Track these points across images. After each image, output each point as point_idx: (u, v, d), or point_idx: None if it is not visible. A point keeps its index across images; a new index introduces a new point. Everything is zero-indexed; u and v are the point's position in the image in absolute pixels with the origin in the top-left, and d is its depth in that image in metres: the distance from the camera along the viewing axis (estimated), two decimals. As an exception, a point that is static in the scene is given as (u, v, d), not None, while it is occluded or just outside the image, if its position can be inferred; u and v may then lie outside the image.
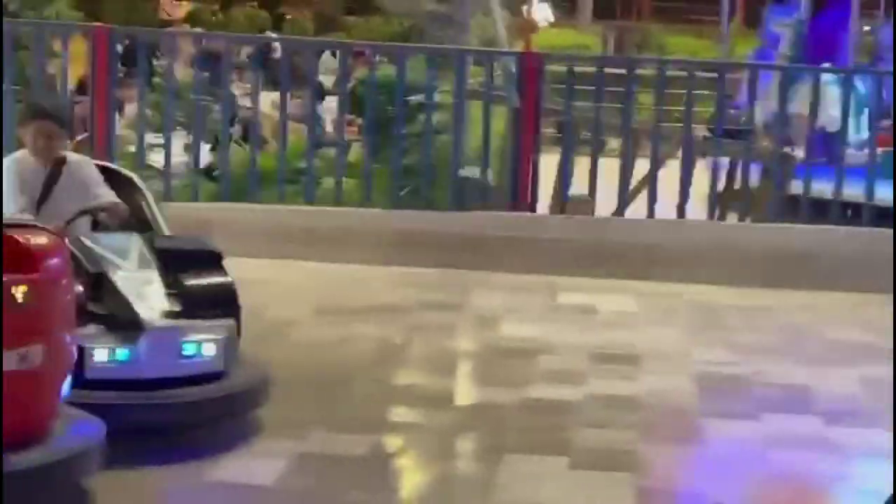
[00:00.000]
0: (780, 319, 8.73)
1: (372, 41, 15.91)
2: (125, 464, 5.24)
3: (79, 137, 10.78)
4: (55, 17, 12.51)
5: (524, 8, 26.86)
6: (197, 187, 10.54)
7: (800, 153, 11.21)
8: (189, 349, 5.58)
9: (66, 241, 5.88)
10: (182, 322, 5.69)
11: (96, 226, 6.35)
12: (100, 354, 5.44)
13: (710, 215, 11.02)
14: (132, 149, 10.78)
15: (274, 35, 20.55)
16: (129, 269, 5.84)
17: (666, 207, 10.39)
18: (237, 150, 11.77)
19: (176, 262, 6.06)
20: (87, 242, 5.95)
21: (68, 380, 4.86)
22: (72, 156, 6.72)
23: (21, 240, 4.64)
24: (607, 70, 11.47)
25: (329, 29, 30.27)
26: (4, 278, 4.41)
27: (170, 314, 5.68)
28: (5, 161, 6.58)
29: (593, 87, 11.05)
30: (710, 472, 5.90)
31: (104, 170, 7.14)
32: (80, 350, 5.32)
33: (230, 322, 5.86)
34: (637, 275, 9.38)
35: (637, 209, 10.59)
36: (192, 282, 5.95)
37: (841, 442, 6.16)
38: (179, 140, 10.97)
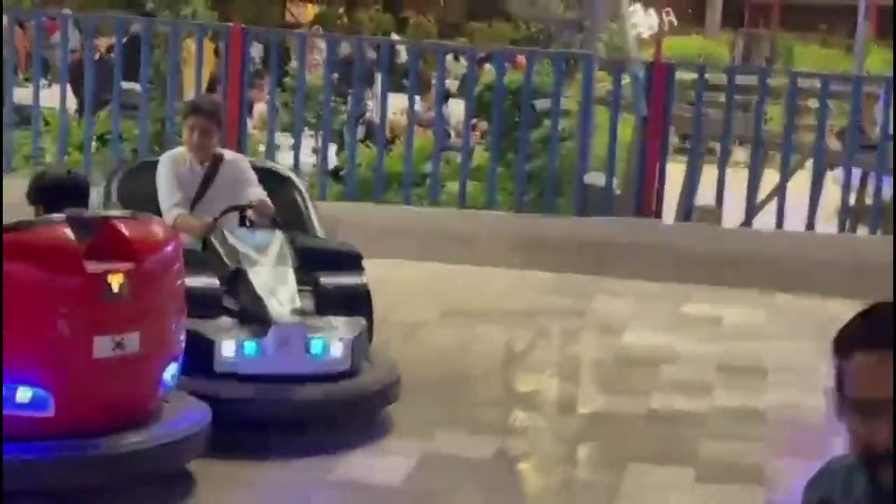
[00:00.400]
0: None
1: (497, 45, 15.99)
2: (249, 457, 5.34)
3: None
4: (192, 17, 12.67)
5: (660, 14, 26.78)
6: (325, 187, 10.63)
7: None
8: (316, 347, 5.60)
9: (212, 236, 6.07)
10: (311, 320, 5.73)
11: (244, 222, 6.42)
12: (227, 348, 5.52)
13: (841, 228, 10.87)
14: (262, 148, 10.95)
15: (398, 38, 20.75)
16: (265, 265, 5.93)
17: (794, 219, 10.28)
18: (363, 151, 11.87)
19: (315, 261, 6.17)
20: (230, 238, 6.08)
21: (175, 366, 4.96)
22: (228, 154, 6.87)
23: (122, 230, 4.76)
24: (737, 80, 11.42)
25: (453, 33, 30.49)
26: (101, 268, 4.56)
27: (301, 312, 5.70)
28: (162, 158, 6.74)
29: (723, 96, 11.05)
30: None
31: (263, 168, 7.29)
32: (210, 343, 5.47)
33: (361, 322, 5.90)
34: (764, 286, 9.29)
35: (765, 221, 10.49)
36: (326, 281, 6.03)
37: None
38: (308, 141, 11.06)
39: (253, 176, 6.72)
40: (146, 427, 4.74)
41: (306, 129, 11.15)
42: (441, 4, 39.86)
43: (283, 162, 10.75)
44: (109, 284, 4.56)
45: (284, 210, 6.83)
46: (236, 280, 5.85)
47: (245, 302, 5.78)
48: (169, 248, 4.94)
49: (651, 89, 10.34)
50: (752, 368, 7.48)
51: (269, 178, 6.99)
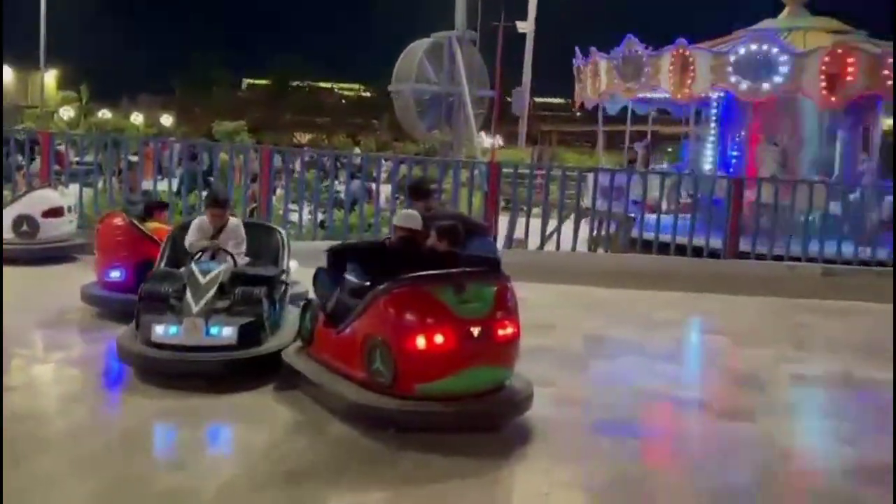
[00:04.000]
0: (631, 306, 8.56)
1: (408, 154, 16.12)
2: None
3: (252, 205, 10.93)
4: (241, 142, 12.57)
5: (491, 136, 26.95)
6: (315, 231, 10.53)
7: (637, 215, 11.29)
8: (213, 330, 5.17)
9: (190, 263, 5.74)
10: (216, 314, 5.29)
11: (213, 256, 6.01)
12: (159, 329, 5.17)
13: (590, 249, 11.10)
14: (281, 212, 10.90)
15: (357, 152, 20.72)
16: (203, 281, 5.49)
17: (566, 244, 10.41)
18: (337, 213, 11.82)
19: (248, 279, 5.66)
20: (194, 265, 5.68)
21: None
22: (232, 220, 6.36)
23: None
24: (534, 171, 11.58)
25: (385, 148, 30.50)
26: None
27: (210, 309, 5.28)
28: (195, 220, 6.37)
29: (527, 181, 11.22)
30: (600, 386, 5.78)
31: (262, 224, 6.95)
32: (149, 325, 5.16)
33: (258, 312, 5.37)
34: (549, 279, 9.21)
35: (550, 246, 10.54)
36: (239, 290, 5.53)
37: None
38: (306, 208, 11.01)
39: (241, 234, 6.25)
40: None
41: (306, 203, 11.06)
42: (377, 131, 39.80)
43: (294, 220, 10.76)
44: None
45: (268, 249, 6.38)
46: (182, 289, 5.47)
47: (178, 302, 5.41)
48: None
49: (489, 177, 10.49)
50: (544, 326, 7.30)
51: (263, 230, 6.63)
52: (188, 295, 5.39)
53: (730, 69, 11.83)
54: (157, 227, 7.06)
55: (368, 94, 62.61)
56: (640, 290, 9.20)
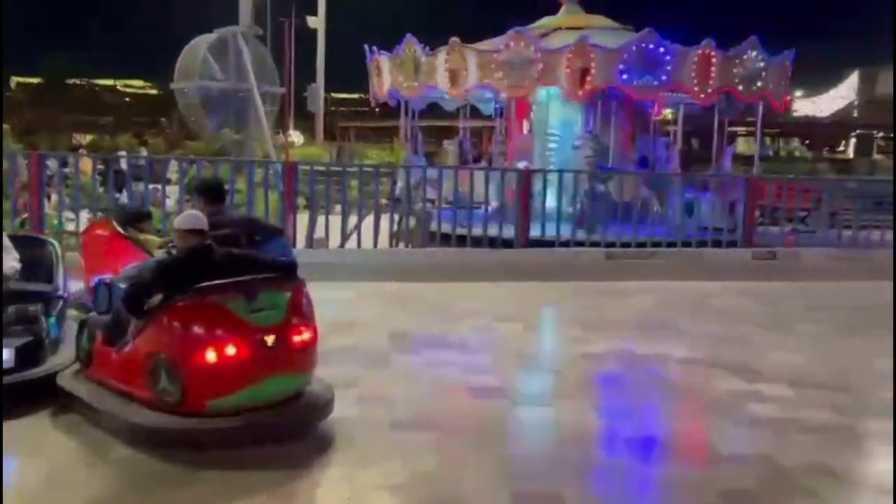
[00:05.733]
0: (432, 299, 8.65)
1: (201, 155, 15.47)
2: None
3: (24, 216, 10.03)
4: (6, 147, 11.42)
5: (286, 134, 26.49)
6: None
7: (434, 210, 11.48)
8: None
9: None
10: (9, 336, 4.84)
11: None
12: None
13: (391, 245, 11.17)
14: (55, 221, 10.06)
15: (144, 154, 19.58)
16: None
17: (367, 241, 10.40)
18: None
19: (17, 297, 5.16)
20: None
21: None
22: None
23: None
24: (332, 169, 11.49)
25: (174, 147, 29.04)
26: None
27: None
28: None
29: (325, 178, 11.11)
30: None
31: (28, 237, 6.40)
32: None
33: (34, 331, 4.97)
34: (352, 278, 9.20)
35: (351, 243, 10.51)
36: (10, 308, 5.05)
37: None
38: (85, 216, 10.23)
39: (7, 243, 5.63)
40: None
41: (86, 210, 10.23)
42: (167, 130, 37.86)
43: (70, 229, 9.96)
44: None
45: (39, 265, 5.83)
46: None
47: None
48: None
49: (285, 176, 10.28)
50: (349, 324, 7.19)
51: (31, 243, 6.03)
52: None
53: (493, 66, 12.42)
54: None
55: (155, 91, 59.78)
56: (441, 283, 9.37)
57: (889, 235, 11.97)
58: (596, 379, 6.08)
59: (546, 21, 14.32)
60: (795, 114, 54.46)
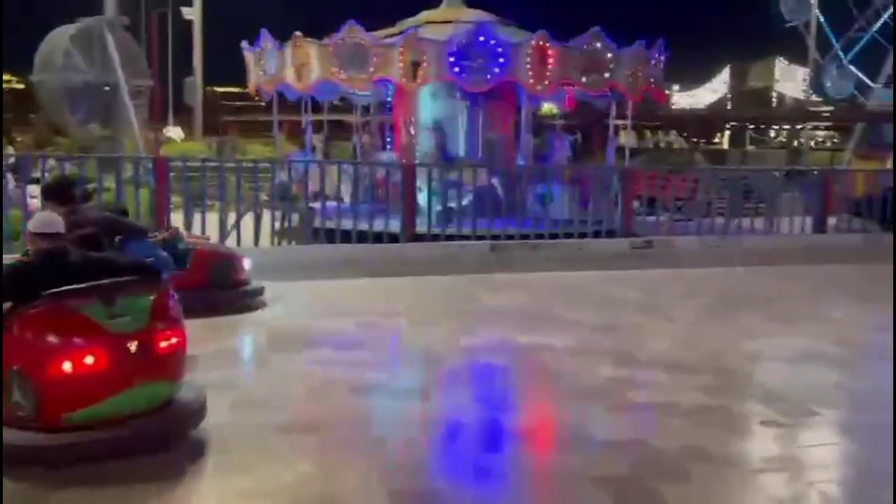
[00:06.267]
0: (316, 297, 8.49)
1: (69, 153, 14.73)
2: None
3: None
4: None
5: (164, 129, 25.53)
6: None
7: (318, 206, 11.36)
8: None
9: None
10: None
11: None
12: None
13: (273, 243, 10.94)
14: None
15: (12, 149, 18.44)
16: None
17: (247, 240, 10.16)
18: None
19: None
20: None
21: None
22: None
23: None
24: (209, 165, 11.18)
25: (45, 145, 27.60)
26: None
27: None
28: None
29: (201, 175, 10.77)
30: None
31: None
32: None
33: None
34: None
35: (231, 239, 10.28)
36: None
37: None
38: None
39: None
40: None
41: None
42: (35, 126, 35.88)
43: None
44: None
45: None
46: None
47: None
48: None
49: (156, 173, 9.90)
50: (226, 324, 7.07)
51: None
52: None
53: (331, 60, 12.38)
54: None
55: (23, 85, 56.50)
56: (325, 280, 9.24)
57: (758, 223, 12.59)
58: (477, 371, 6.10)
59: (425, 15, 14.30)
60: (674, 107, 56.68)
